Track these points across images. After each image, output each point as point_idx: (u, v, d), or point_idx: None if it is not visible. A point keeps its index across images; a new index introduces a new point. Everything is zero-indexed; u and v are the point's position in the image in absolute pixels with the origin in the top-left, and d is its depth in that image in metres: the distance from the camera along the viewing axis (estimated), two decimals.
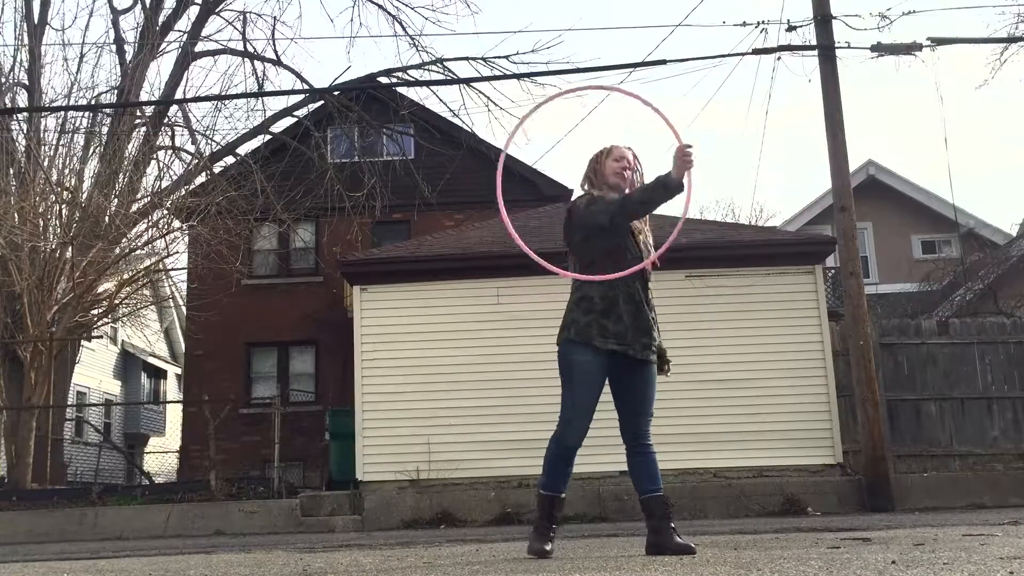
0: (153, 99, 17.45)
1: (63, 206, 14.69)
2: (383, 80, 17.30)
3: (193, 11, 18.33)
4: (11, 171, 14.50)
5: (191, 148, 17.17)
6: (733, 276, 11.41)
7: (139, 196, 15.70)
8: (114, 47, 17.80)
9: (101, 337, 21.02)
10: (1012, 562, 3.04)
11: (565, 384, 4.06)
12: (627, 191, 4.17)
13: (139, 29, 17.99)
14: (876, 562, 3.15)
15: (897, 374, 11.66)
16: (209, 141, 17.24)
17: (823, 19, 10.94)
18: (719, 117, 53.60)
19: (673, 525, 3.97)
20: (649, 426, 4.12)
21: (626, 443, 4.11)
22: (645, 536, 4.07)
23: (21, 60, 16.64)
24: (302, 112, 18.00)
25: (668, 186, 3.90)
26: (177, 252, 16.66)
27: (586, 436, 4.04)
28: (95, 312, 15.96)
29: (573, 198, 4.24)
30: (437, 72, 17.33)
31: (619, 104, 65.63)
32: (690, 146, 3.88)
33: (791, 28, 11.14)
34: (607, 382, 4.09)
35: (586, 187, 4.29)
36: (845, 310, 10.92)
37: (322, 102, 17.55)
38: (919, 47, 11.01)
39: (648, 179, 4.14)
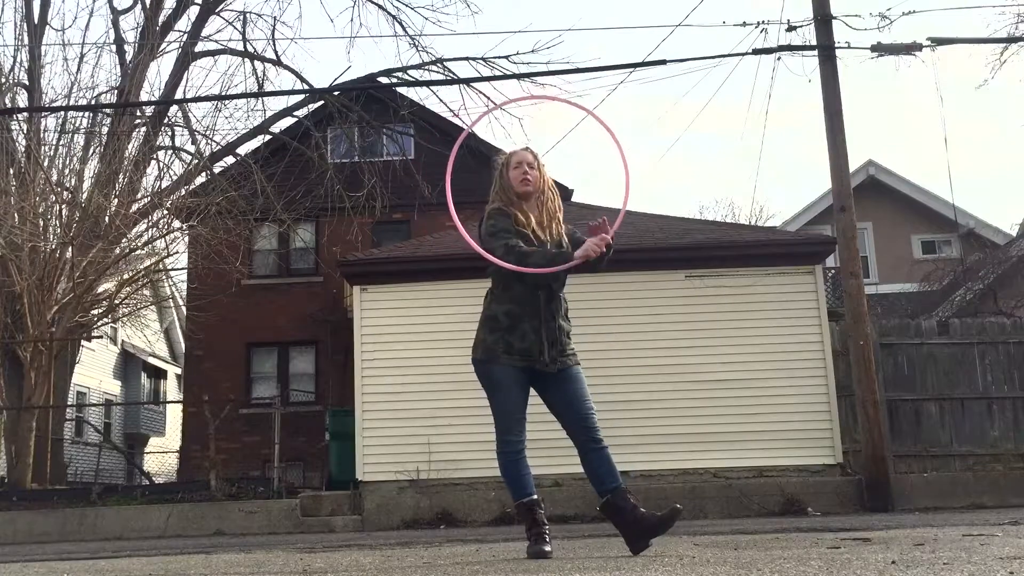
0: (153, 99, 17.45)
1: (63, 206, 14.70)
2: (383, 80, 17.29)
3: (193, 11, 18.34)
4: (11, 171, 14.49)
5: (191, 148, 17.18)
6: (733, 276, 11.41)
7: (139, 196, 15.70)
8: (114, 47, 17.81)
9: (101, 337, 21.03)
10: (1012, 562, 3.04)
11: (488, 397, 4.14)
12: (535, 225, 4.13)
13: (139, 29, 17.99)
14: (876, 562, 3.15)
15: (897, 374, 11.66)
16: (209, 141, 17.25)
17: (823, 19, 10.94)
18: (719, 117, 53.62)
19: (644, 510, 3.93)
20: (595, 423, 4.06)
21: (578, 444, 4.07)
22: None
23: (21, 60, 16.64)
24: (302, 112, 18.00)
25: (565, 260, 3.98)
26: (177, 252, 16.69)
27: (526, 433, 4.09)
28: (95, 312, 15.96)
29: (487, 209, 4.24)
30: (437, 72, 17.33)
31: (619, 104, 65.63)
32: (609, 242, 3.98)
33: (791, 28, 11.14)
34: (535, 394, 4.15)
35: (495, 202, 4.25)
36: (845, 310, 10.92)
37: (322, 102, 17.55)
38: (919, 47, 11.01)
39: (552, 175, 4.26)
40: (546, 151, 19.03)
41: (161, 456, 18.74)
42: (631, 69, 11.69)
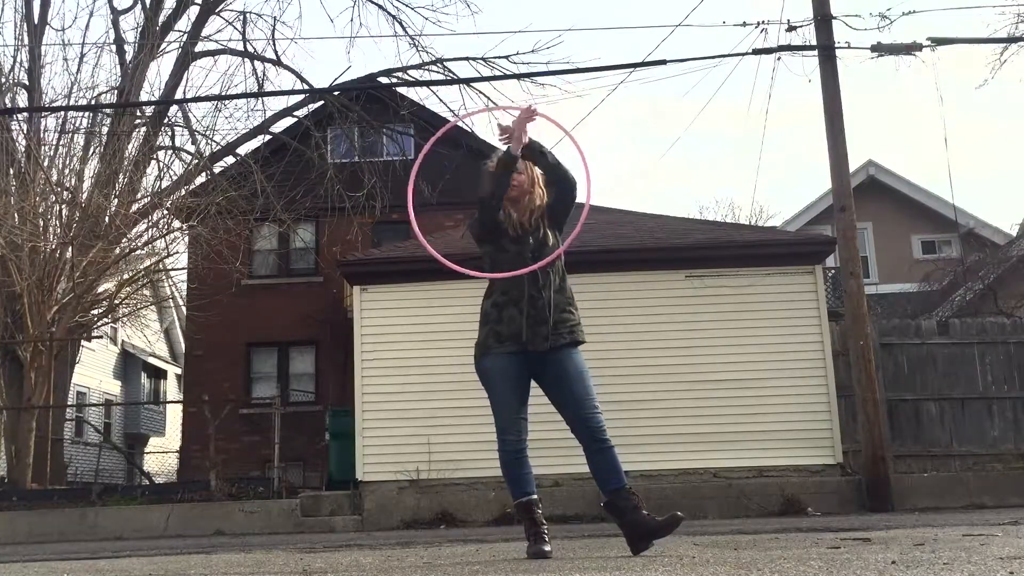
0: (153, 99, 17.45)
1: (63, 206, 14.70)
2: (383, 80, 17.29)
3: (193, 11, 18.35)
4: (11, 171, 14.49)
5: (191, 148, 17.19)
6: (733, 276, 11.41)
7: (139, 196, 15.71)
8: (114, 47, 17.82)
9: (101, 337, 21.02)
10: (1012, 562, 3.03)
11: (488, 394, 4.15)
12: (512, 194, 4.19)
13: (139, 29, 18.01)
14: (876, 562, 3.15)
15: (897, 374, 11.66)
16: (209, 141, 17.25)
17: (823, 19, 10.94)
18: (719, 117, 53.64)
19: (647, 512, 3.91)
20: (598, 423, 4.00)
21: (582, 443, 4.04)
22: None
23: (21, 60, 16.66)
24: (302, 112, 18.00)
25: (505, 161, 4.07)
26: (177, 252, 16.69)
27: (527, 433, 4.09)
28: (95, 312, 15.96)
29: None
30: (437, 72, 17.34)
31: (620, 104, 65.65)
32: (531, 108, 4.05)
33: (791, 28, 11.14)
34: (539, 387, 4.15)
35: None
36: (845, 310, 10.92)
37: (322, 102, 17.55)
38: (919, 47, 11.02)
39: (542, 171, 4.28)
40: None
41: (161, 456, 18.72)
42: (631, 69, 11.70)
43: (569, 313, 4.16)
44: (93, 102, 16.53)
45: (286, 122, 18.17)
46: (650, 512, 3.95)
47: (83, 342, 18.34)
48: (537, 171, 4.31)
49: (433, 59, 17.36)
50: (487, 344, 4.14)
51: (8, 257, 13.27)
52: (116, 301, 16.22)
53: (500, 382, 4.11)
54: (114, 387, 26.52)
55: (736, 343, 11.11)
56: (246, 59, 18.12)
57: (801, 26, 11.08)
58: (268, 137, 18.07)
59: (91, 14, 45.38)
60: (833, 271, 14.68)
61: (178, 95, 17.26)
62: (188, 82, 19.33)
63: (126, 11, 18.45)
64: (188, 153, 17.21)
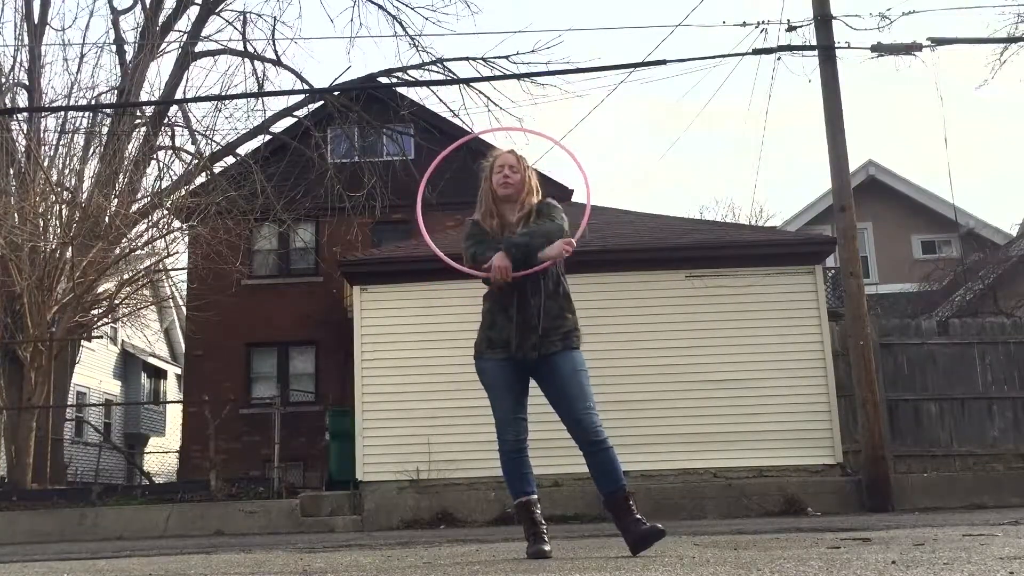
0: (153, 99, 17.45)
1: (63, 206, 14.69)
2: (383, 80, 17.30)
3: (193, 11, 18.35)
4: (11, 171, 14.49)
5: (191, 148, 17.19)
6: (733, 276, 11.41)
7: (139, 196, 15.71)
8: (114, 47, 17.82)
9: (101, 337, 21.02)
10: (1012, 562, 3.04)
11: (488, 396, 4.16)
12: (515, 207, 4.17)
13: (139, 29, 18.01)
14: (876, 562, 3.15)
15: (897, 374, 11.66)
16: (209, 141, 17.25)
17: (823, 19, 10.94)
18: (719, 117, 53.60)
19: (638, 515, 3.90)
20: (590, 424, 3.96)
21: (577, 443, 4.02)
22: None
23: (21, 60, 16.66)
24: (302, 112, 18.00)
25: (529, 253, 4.02)
26: (177, 252, 16.69)
27: (526, 432, 4.10)
28: (95, 312, 15.96)
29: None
30: (437, 72, 17.34)
31: (620, 104, 65.59)
32: (572, 243, 4.02)
33: (791, 28, 11.14)
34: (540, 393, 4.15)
35: (477, 209, 4.31)
36: (845, 310, 10.92)
37: (322, 102, 17.55)
38: (919, 47, 11.02)
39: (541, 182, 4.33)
40: (547, 150, 19.02)
41: (161, 456, 18.72)
42: (631, 69, 11.71)
43: (563, 319, 4.10)
44: (93, 102, 16.54)
45: (286, 122, 18.19)
46: (643, 517, 3.92)
47: (83, 342, 18.34)
48: (531, 172, 4.31)
49: (433, 59, 17.38)
50: (480, 348, 4.18)
51: (8, 257, 13.27)
52: (116, 301, 16.22)
53: (495, 385, 4.13)
54: (114, 387, 26.51)
55: (736, 343, 11.11)
56: (246, 59, 18.13)
57: (801, 26, 11.09)
58: (268, 137, 18.07)
59: (91, 14, 45.34)
60: (833, 271, 14.68)
61: (178, 95, 17.26)
62: (188, 82, 19.35)
63: (126, 11, 18.46)
64: (188, 153, 17.22)
